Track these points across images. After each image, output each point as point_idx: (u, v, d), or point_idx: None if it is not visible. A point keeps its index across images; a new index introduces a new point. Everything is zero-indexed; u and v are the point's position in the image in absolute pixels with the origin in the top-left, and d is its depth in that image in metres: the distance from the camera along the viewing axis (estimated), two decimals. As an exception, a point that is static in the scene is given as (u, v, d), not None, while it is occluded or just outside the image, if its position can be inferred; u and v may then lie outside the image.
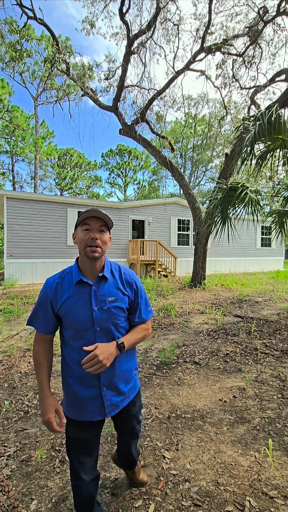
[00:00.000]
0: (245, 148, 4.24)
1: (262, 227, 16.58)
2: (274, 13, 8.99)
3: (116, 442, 1.59)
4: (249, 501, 1.49)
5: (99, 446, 1.44)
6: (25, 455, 1.88)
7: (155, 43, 10.56)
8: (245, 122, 5.39)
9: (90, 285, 1.18)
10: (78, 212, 11.47)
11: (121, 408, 1.26)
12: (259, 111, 4.82)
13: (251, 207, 4.77)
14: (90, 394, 1.18)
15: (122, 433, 1.42)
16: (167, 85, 10.52)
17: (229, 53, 10.37)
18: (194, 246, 9.63)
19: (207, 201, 6.09)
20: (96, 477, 1.25)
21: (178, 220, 14.09)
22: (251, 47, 10.29)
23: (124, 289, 1.25)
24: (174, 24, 10.35)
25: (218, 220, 5.26)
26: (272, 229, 5.76)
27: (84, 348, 1.05)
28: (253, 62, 10.76)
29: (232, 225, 5.35)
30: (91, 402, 1.18)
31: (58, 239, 11.10)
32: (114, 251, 12.29)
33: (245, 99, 11.69)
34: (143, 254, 11.81)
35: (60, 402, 1.22)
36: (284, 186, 5.45)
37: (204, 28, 9.67)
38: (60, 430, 1.14)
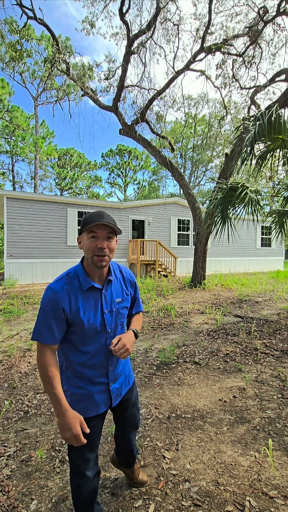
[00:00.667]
0: (245, 148, 4.24)
1: (262, 227, 16.58)
2: (274, 13, 8.99)
3: (114, 441, 1.58)
4: (249, 501, 1.49)
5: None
6: (25, 455, 1.88)
7: (155, 43, 10.57)
8: (245, 122, 5.39)
9: (100, 289, 1.20)
10: (78, 212, 11.47)
11: (122, 396, 1.34)
12: (259, 111, 4.82)
13: (251, 207, 4.77)
14: (99, 391, 1.22)
15: (123, 423, 1.43)
16: (167, 85, 10.52)
17: (229, 53, 10.37)
18: (194, 246, 9.63)
19: (207, 201, 6.09)
20: (98, 473, 1.28)
21: (178, 220, 14.09)
22: (251, 47, 10.29)
23: (126, 288, 1.32)
24: (174, 24, 10.35)
25: (218, 220, 5.26)
26: (272, 229, 5.76)
27: (112, 341, 1.15)
28: (253, 62, 10.76)
29: (232, 225, 5.35)
30: (98, 397, 1.22)
31: (58, 239, 11.10)
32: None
33: (245, 99, 11.69)
34: (143, 254, 11.81)
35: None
36: (284, 186, 5.45)
37: (204, 28, 9.67)
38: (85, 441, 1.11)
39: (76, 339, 1.16)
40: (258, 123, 4.08)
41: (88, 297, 1.16)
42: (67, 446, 1.26)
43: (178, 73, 10.40)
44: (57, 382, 1.08)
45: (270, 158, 4.66)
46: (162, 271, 11.92)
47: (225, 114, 12.28)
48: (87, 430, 1.10)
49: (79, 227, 1.22)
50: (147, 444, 1.96)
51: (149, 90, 10.91)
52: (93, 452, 1.24)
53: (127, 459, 1.54)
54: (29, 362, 3.43)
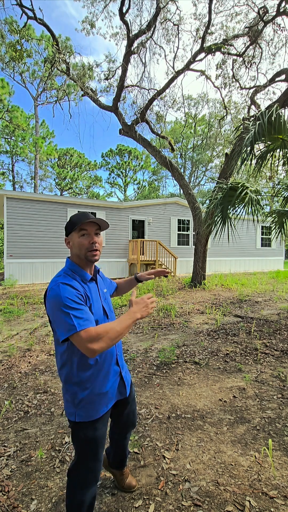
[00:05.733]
0: (245, 148, 4.23)
1: (262, 227, 16.58)
2: (274, 13, 8.99)
3: (109, 440, 1.59)
4: (249, 501, 1.49)
5: None
6: (25, 455, 1.88)
7: (155, 43, 10.57)
8: (245, 122, 5.39)
9: (95, 280, 1.30)
10: (78, 212, 11.46)
11: (130, 383, 1.42)
12: (259, 111, 4.82)
13: (251, 207, 4.77)
14: (113, 382, 1.27)
15: (123, 420, 1.45)
16: (167, 85, 10.52)
17: (229, 53, 10.38)
18: (194, 246, 9.63)
19: (207, 201, 6.09)
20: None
21: (178, 220, 14.09)
22: (251, 47, 10.29)
23: (103, 280, 1.44)
24: (174, 24, 10.35)
25: (218, 220, 5.26)
26: (272, 229, 5.76)
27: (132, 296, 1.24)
28: (253, 62, 10.76)
29: (232, 225, 5.34)
30: (115, 388, 1.28)
31: (58, 239, 11.10)
32: (114, 251, 12.29)
33: (245, 99, 11.70)
34: (143, 254, 11.81)
35: (73, 417, 1.17)
36: (284, 186, 5.45)
37: (204, 28, 9.68)
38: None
39: None
40: (258, 123, 4.07)
41: (90, 289, 1.22)
42: (76, 454, 1.21)
43: (178, 73, 10.40)
44: (110, 325, 1.04)
45: (270, 158, 4.65)
46: (162, 271, 11.90)
47: (225, 114, 12.28)
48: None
49: (66, 228, 1.27)
50: (147, 444, 1.96)
51: (149, 90, 10.91)
52: (103, 451, 1.28)
53: (119, 459, 1.54)
54: (29, 362, 3.43)
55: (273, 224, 5.73)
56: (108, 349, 1.16)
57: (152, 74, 34.25)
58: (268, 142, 4.52)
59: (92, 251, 1.20)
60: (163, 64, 49.51)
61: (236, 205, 4.95)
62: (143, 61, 10.66)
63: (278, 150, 4.57)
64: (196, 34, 10.27)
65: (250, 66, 10.83)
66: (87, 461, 1.21)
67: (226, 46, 9.95)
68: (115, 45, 36.76)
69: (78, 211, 11.49)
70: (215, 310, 6.06)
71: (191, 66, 10.41)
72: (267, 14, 9.12)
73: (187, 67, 10.27)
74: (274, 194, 5.77)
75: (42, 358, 3.56)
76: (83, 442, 1.19)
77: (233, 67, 10.90)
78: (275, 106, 4.17)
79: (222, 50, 9.97)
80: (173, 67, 10.91)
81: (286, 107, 7.25)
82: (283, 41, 10.47)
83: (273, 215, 5.58)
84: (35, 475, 1.71)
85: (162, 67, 51.16)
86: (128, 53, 9.83)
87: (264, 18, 9.17)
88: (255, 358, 3.46)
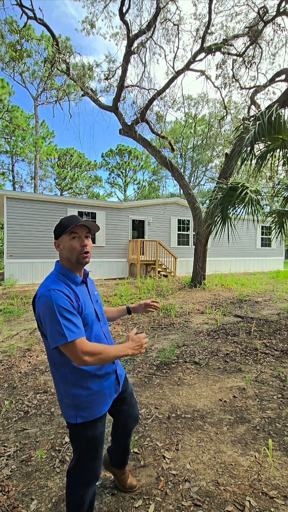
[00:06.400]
0: (245, 148, 4.23)
1: (262, 227, 16.58)
2: (274, 13, 8.99)
3: (111, 439, 1.59)
4: (249, 501, 1.49)
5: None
6: (25, 455, 1.88)
7: (155, 43, 10.57)
8: (245, 122, 5.39)
9: (85, 283, 1.30)
10: (78, 212, 11.47)
11: (123, 380, 1.42)
12: (259, 111, 4.82)
13: (251, 207, 4.77)
14: (109, 381, 1.28)
15: (124, 417, 1.46)
16: (167, 85, 10.52)
17: (229, 53, 10.38)
18: (194, 246, 9.63)
19: (207, 201, 6.09)
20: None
21: (178, 220, 14.09)
22: (251, 47, 10.29)
23: (93, 283, 1.44)
24: (174, 24, 10.35)
25: (218, 220, 5.26)
26: (272, 229, 5.76)
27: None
28: (253, 62, 10.76)
29: (232, 225, 5.34)
30: (109, 389, 1.28)
31: (58, 239, 11.08)
32: (114, 251, 12.29)
33: (245, 99, 11.70)
34: (143, 254, 11.81)
35: (74, 419, 1.17)
36: (284, 186, 5.45)
37: (204, 28, 9.68)
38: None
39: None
40: (258, 123, 4.07)
41: (81, 291, 1.23)
42: (76, 454, 1.22)
43: (178, 73, 10.40)
44: (104, 349, 1.11)
45: (270, 158, 4.65)
46: (162, 271, 11.92)
47: (225, 114, 12.28)
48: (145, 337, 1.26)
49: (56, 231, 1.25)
50: (147, 444, 1.96)
51: (149, 90, 10.91)
52: (103, 449, 1.29)
53: (121, 458, 1.54)
54: (29, 362, 3.43)
55: (273, 224, 5.73)
56: (102, 342, 1.27)
57: (152, 74, 34.26)
58: (268, 142, 4.53)
59: (84, 253, 1.21)
60: (163, 64, 49.52)
61: (236, 205, 4.95)
62: (143, 61, 10.67)
63: (278, 150, 4.57)
64: (196, 34, 10.28)
65: (250, 66, 10.83)
66: (87, 461, 1.21)
67: (226, 46, 9.95)
68: (115, 45, 36.80)
69: (78, 211, 11.51)
70: (215, 310, 6.06)
71: (191, 66, 10.41)
72: (267, 14, 9.12)
73: (187, 67, 10.27)
74: (274, 194, 5.77)
75: (42, 358, 3.56)
76: (83, 442, 1.19)
77: (233, 67, 10.91)
78: (275, 106, 4.17)
79: (222, 50, 9.98)
80: (173, 67, 10.91)
81: (286, 107, 7.26)
82: (283, 41, 10.48)
83: (273, 215, 5.58)
84: (35, 475, 1.71)
85: (162, 67, 51.17)
86: (128, 53, 9.83)
87: (264, 18, 9.17)
88: (255, 358, 3.47)
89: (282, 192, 5.42)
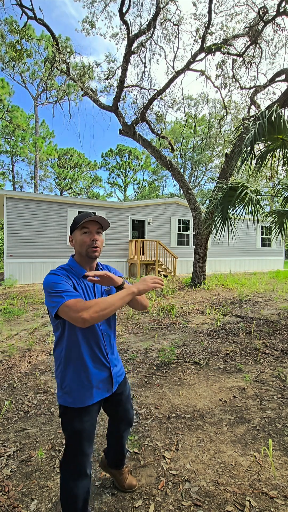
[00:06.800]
0: (245, 148, 4.23)
1: (262, 227, 16.58)
2: (274, 13, 8.99)
3: (106, 440, 1.59)
4: (249, 501, 1.49)
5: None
6: (25, 455, 1.88)
7: (155, 43, 10.57)
8: (245, 122, 5.39)
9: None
10: (78, 212, 11.47)
11: (119, 383, 1.39)
12: (259, 111, 4.82)
13: (251, 207, 4.77)
14: (101, 377, 1.28)
15: (117, 419, 1.46)
16: (167, 85, 10.52)
17: (229, 53, 10.38)
18: (194, 246, 9.63)
19: (207, 201, 6.09)
20: (91, 471, 1.31)
21: (178, 220, 14.09)
22: (251, 47, 10.29)
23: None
24: (174, 24, 10.35)
25: (218, 220, 5.26)
26: (272, 229, 5.76)
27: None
28: (253, 62, 10.76)
29: (232, 225, 5.34)
30: (102, 382, 1.28)
31: (58, 239, 11.10)
32: (114, 251, 12.29)
33: (245, 99, 11.70)
34: (143, 254, 11.81)
35: (61, 400, 1.23)
36: (284, 186, 5.45)
37: (204, 28, 9.68)
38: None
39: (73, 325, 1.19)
40: (258, 123, 4.07)
41: (83, 283, 1.26)
42: (64, 446, 1.27)
43: (178, 73, 10.40)
44: (100, 299, 1.09)
45: (270, 158, 4.65)
46: (162, 271, 11.92)
47: (225, 114, 12.28)
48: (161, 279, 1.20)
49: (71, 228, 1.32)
50: (147, 444, 1.96)
51: (149, 90, 10.91)
52: (91, 447, 1.27)
53: (117, 459, 1.54)
54: (29, 362, 3.43)
55: (273, 224, 5.73)
56: (96, 346, 1.27)
57: (152, 74, 34.26)
58: (268, 142, 4.52)
59: (93, 248, 1.25)
60: (163, 64, 49.54)
61: (236, 205, 4.95)
62: (143, 61, 10.67)
63: (278, 150, 4.57)
64: (196, 34, 10.27)
65: (250, 66, 10.83)
66: (72, 454, 1.23)
67: (226, 46, 9.95)
68: (115, 45, 36.79)
69: (78, 211, 11.52)
70: (215, 310, 6.06)
71: (191, 66, 10.41)
72: (267, 14, 9.12)
73: (187, 67, 10.27)
74: (274, 194, 5.77)
75: (42, 358, 3.56)
76: (69, 433, 1.23)
77: (233, 67, 10.90)
78: (275, 106, 4.17)
79: (222, 50, 9.97)
80: (173, 67, 10.91)
81: (286, 107, 7.26)
82: (283, 41, 10.48)
83: (273, 215, 5.58)
84: (35, 475, 1.71)
85: (162, 67, 51.19)
86: (128, 53, 9.83)
87: (264, 18, 9.17)
88: (255, 358, 3.46)
89: (282, 192, 5.42)
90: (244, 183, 4.78)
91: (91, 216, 1.24)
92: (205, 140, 28.10)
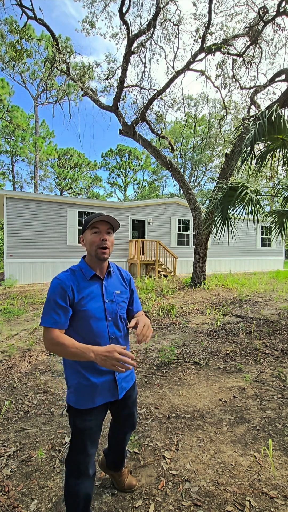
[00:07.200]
0: (245, 148, 4.23)
1: (262, 227, 16.58)
2: (274, 13, 8.99)
3: (108, 441, 1.59)
4: (249, 501, 1.49)
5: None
6: (25, 455, 1.88)
7: (155, 43, 10.57)
8: (245, 122, 5.39)
9: (101, 279, 1.31)
10: (78, 212, 11.47)
11: (127, 389, 1.37)
12: (259, 111, 4.82)
13: (251, 207, 4.77)
14: (105, 381, 1.26)
15: (122, 422, 1.46)
16: (167, 85, 10.52)
17: (229, 53, 10.37)
18: (194, 246, 9.63)
19: (207, 201, 6.09)
20: (95, 473, 1.30)
21: (178, 220, 14.09)
22: (251, 47, 10.29)
23: (124, 284, 1.42)
24: (174, 24, 10.35)
25: (218, 220, 5.26)
26: (272, 229, 5.76)
27: (130, 324, 1.22)
28: (253, 62, 10.76)
29: (232, 225, 5.34)
30: (105, 387, 1.26)
31: (58, 239, 11.10)
32: (114, 251, 12.28)
33: (245, 99, 11.70)
34: (143, 254, 11.81)
35: (67, 397, 1.26)
36: (284, 186, 5.45)
37: (204, 28, 9.67)
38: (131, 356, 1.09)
39: (80, 326, 1.21)
40: (258, 123, 4.07)
41: (91, 286, 1.25)
42: (68, 445, 1.27)
43: (178, 73, 10.40)
44: (69, 342, 1.09)
45: (270, 158, 4.65)
46: (162, 271, 11.92)
47: (225, 114, 12.28)
48: (130, 355, 1.07)
49: (80, 227, 1.34)
50: (147, 444, 1.96)
51: (149, 90, 10.91)
52: (94, 448, 1.27)
53: (116, 461, 1.54)
54: (29, 362, 3.43)
55: (273, 224, 5.73)
56: (102, 340, 1.25)
57: (152, 74, 34.28)
58: (268, 142, 4.52)
59: (102, 249, 1.24)
60: (163, 64, 49.52)
61: (236, 205, 4.95)
62: (143, 61, 10.67)
63: (278, 150, 4.57)
64: (196, 34, 10.27)
65: (250, 66, 10.83)
66: (74, 452, 1.24)
67: (226, 46, 9.95)
68: (115, 45, 36.80)
69: (78, 211, 11.52)
70: (215, 310, 6.06)
71: (191, 66, 10.41)
72: (267, 14, 9.12)
73: (187, 67, 10.27)
74: (274, 194, 5.77)
75: (42, 358, 3.56)
76: (74, 431, 1.24)
77: (233, 67, 10.90)
78: (275, 106, 4.17)
79: (222, 50, 9.97)
80: (173, 67, 10.90)
81: (286, 107, 7.25)
82: (283, 41, 10.48)
83: (273, 215, 5.58)
84: (35, 475, 1.71)
85: (162, 67, 51.18)
86: (128, 53, 9.83)
87: (264, 18, 9.17)
88: (255, 358, 3.46)
89: (282, 192, 5.42)
90: (244, 183, 4.78)
91: (102, 216, 1.24)
92: (205, 140, 28.10)
